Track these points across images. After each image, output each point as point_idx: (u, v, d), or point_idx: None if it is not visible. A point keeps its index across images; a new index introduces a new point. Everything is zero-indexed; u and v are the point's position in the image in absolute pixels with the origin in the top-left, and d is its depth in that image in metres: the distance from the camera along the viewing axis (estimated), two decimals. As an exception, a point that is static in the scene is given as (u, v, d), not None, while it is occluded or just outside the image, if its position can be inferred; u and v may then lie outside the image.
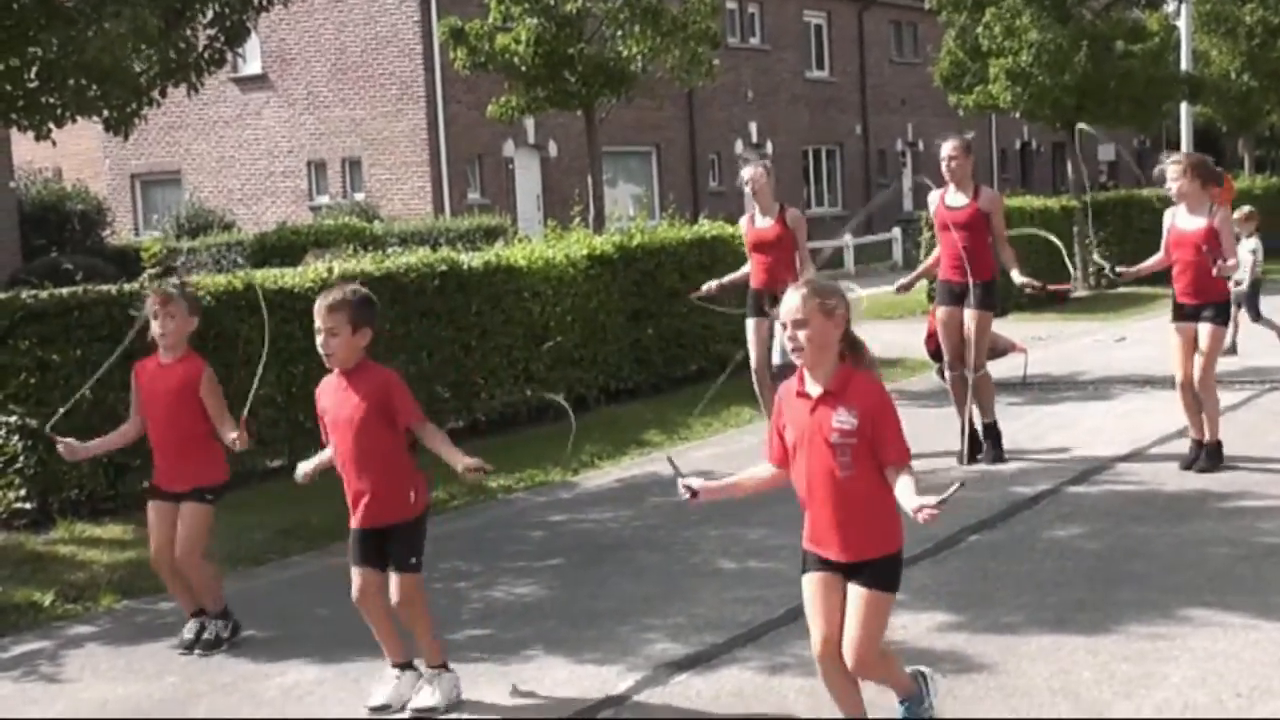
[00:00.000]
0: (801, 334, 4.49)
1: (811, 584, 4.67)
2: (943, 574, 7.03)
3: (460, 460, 5.41)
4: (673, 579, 7.24)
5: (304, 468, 5.77)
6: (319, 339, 5.47)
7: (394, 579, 5.46)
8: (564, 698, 5.61)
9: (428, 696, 5.51)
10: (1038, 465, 9.50)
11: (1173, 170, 8.90)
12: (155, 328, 6.51)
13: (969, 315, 9.62)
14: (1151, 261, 9.30)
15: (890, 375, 13.13)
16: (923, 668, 4.96)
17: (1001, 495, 8.58)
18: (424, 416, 5.58)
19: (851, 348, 4.56)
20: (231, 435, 6.33)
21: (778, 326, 10.16)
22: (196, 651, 6.44)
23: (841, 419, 4.47)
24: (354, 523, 5.55)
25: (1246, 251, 14.27)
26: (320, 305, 5.47)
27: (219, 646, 6.47)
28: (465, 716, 5.52)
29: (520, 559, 7.87)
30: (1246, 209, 14.88)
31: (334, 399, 5.56)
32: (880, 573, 4.56)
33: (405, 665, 5.62)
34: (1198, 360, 8.85)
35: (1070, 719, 5.15)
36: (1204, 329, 8.84)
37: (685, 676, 5.77)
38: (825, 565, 4.63)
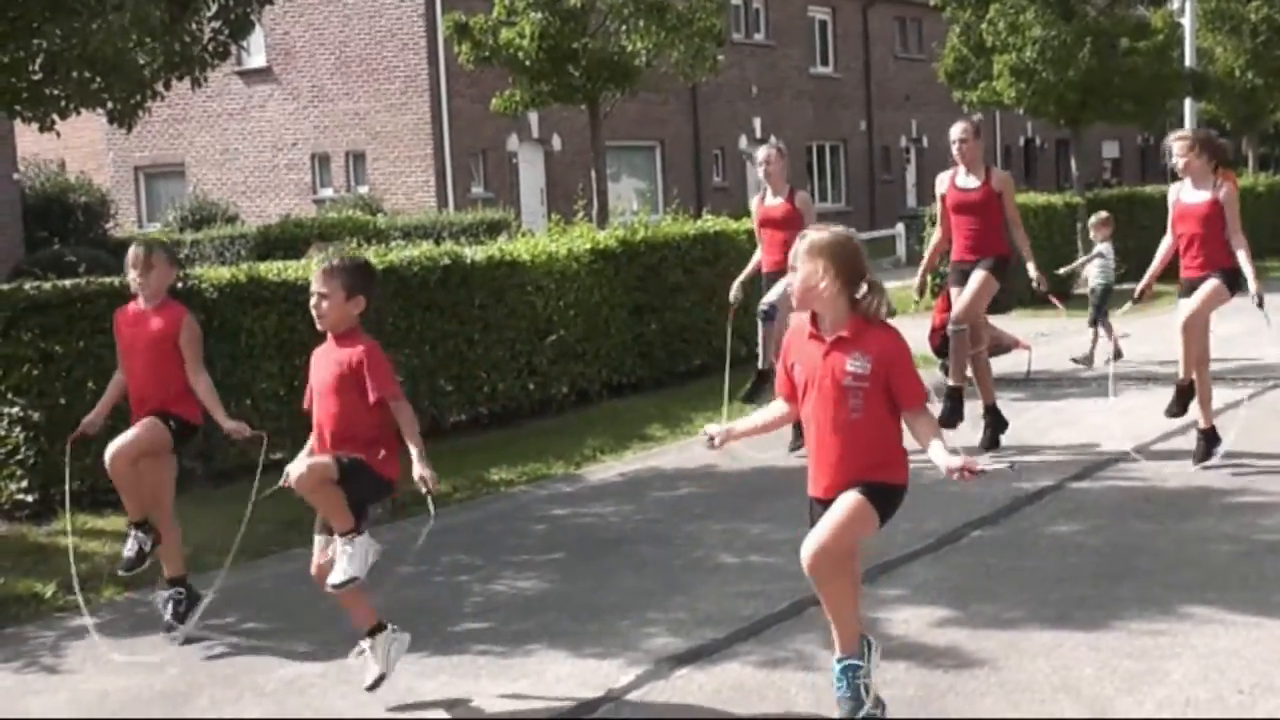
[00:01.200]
0: (795, 278, 4.63)
1: None
2: (944, 570, 7.03)
3: (418, 463, 5.24)
4: (674, 573, 7.23)
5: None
6: (312, 301, 5.47)
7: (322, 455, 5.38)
8: (565, 692, 5.61)
9: (341, 570, 5.38)
10: (1040, 461, 9.48)
11: (1179, 145, 8.89)
12: (134, 277, 6.54)
13: (974, 275, 9.59)
14: (1159, 261, 9.24)
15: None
16: (870, 637, 4.87)
17: (1004, 491, 8.56)
18: (399, 393, 5.45)
19: (863, 300, 4.58)
20: (229, 424, 6.42)
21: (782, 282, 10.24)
22: (120, 571, 6.66)
23: (855, 363, 4.55)
24: None
25: (1097, 256, 14.32)
26: (317, 269, 5.51)
27: (140, 563, 6.57)
28: (466, 717, 5.52)
29: (522, 552, 7.87)
30: (1103, 214, 14.95)
31: (320, 363, 5.55)
32: (876, 489, 4.60)
33: (375, 630, 5.55)
34: (1190, 303, 8.77)
35: (1072, 716, 5.14)
36: (1208, 283, 8.74)
37: (687, 671, 5.76)
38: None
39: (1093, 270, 14.31)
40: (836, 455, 4.62)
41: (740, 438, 5.02)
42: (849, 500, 4.59)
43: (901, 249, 30.74)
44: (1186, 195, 8.89)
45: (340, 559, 5.39)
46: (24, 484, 8.98)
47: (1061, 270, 9.78)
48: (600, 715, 5.40)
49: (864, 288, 4.56)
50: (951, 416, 9.65)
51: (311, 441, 5.66)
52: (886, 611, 6.28)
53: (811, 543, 4.62)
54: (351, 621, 5.62)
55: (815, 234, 4.64)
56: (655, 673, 5.75)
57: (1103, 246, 14.40)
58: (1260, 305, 8.70)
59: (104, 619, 7.01)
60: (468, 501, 9.24)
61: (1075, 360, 13.79)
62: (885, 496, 4.65)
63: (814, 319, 4.66)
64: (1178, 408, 9.08)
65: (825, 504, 4.68)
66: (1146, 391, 12.12)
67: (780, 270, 10.33)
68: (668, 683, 5.66)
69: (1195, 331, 8.82)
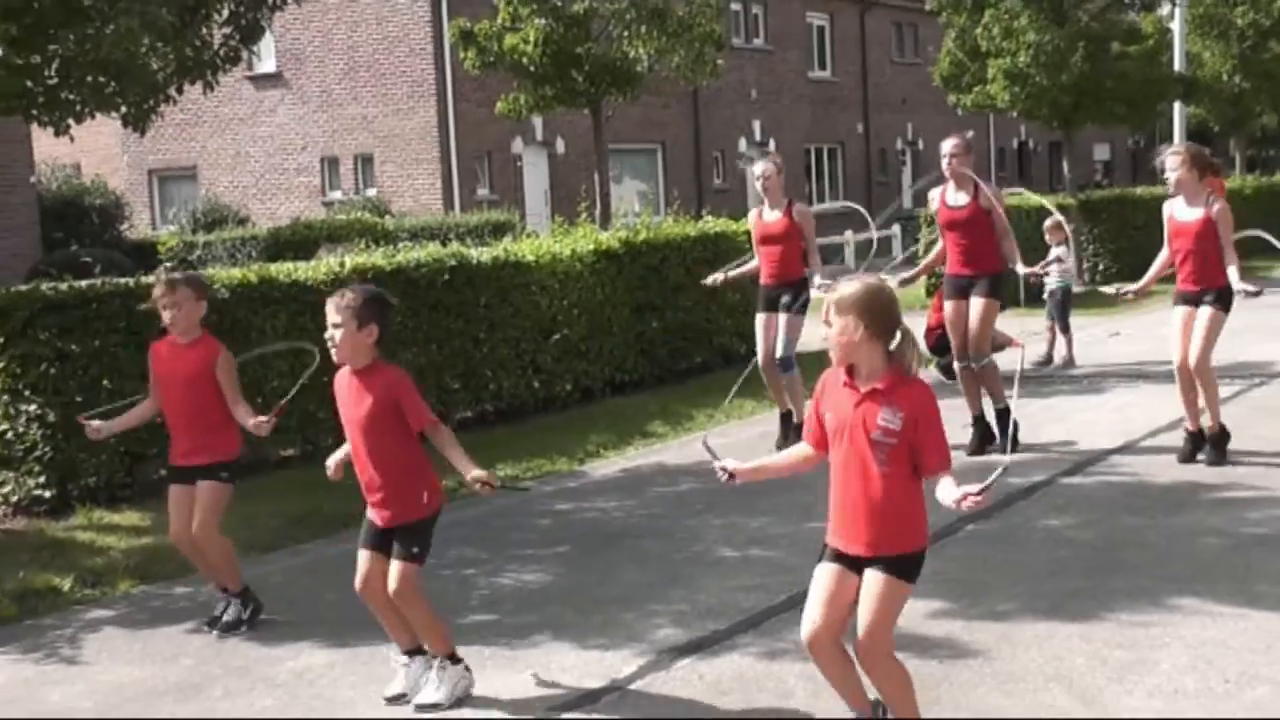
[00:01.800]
0: (828, 333, 4.46)
1: (824, 572, 4.57)
2: (940, 563, 7.00)
3: (470, 470, 5.28)
4: (676, 567, 7.24)
5: (333, 460, 5.69)
6: (326, 334, 5.41)
7: (393, 566, 5.37)
8: (570, 682, 5.62)
9: (431, 691, 5.43)
10: (1033, 457, 9.49)
11: (1171, 160, 8.90)
12: (165, 317, 6.53)
13: (974, 303, 9.59)
14: (1156, 267, 9.26)
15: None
16: None
17: (998, 486, 8.54)
18: (435, 419, 5.44)
19: (897, 350, 4.44)
20: (251, 421, 6.34)
21: (781, 319, 10.17)
22: (215, 632, 6.48)
23: (886, 417, 4.39)
24: (369, 513, 5.52)
25: (1054, 261, 14.27)
26: (330, 301, 5.44)
27: (238, 628, 6.50)
28: (471, 715, 5.52)
29: (527, 546, 7.88)
30: (1057, 218, 14.88)
31: (346, 398, 5.50)
32: (900, 564, 4.49)
33: (414, 651, 5.56)
34: (1195, 342, 8.80)
35: (1063, 706, 5.15)
36: (1204, 311, 8.78)
37: (688, 661, 5.78)
38: (843, 560, 4.55)
39: (1052, 275, 14.29)
40: (861, 508, 4.47)
41: (758, 477, 4.86)
42: (880, 587, 4.45)
43: (898, 249, 30.79)
44: (1180, 213, 8.90)
45: (434, 682, 5.43)
46: (41, 479, 8.99)
47: (1022, 272, 9.81)
48: (603, 705, 5.41)
49: (898, 338, 4.42)
50: (1011, 437, 9.49)
51: (347, 449, 5.64)
52: (883, 603, 6.29)
53: (862, 639, 4.48)
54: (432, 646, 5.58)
55: (846, 289, 4.43)
56: (657, 664, 5.76)
57: (1058, 250, 14.42)
58: (1245, 295, 8.73)
59: (120, 612, 7.03)
60: (473, 497, 9.23)
61: (1059, 366, 13.75)
62: (910, 565, 4.54)
63: (849, 368, 4.51)
64: (1215, 453, 9.01)
65: (840, 556, 4.55)
66: (1136, 389, 12.14)
67: (777, 283, 10.26)
68: (669, 673, 5.67)
69: (1205, 370, 8.85)
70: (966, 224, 9.65)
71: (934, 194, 9.97)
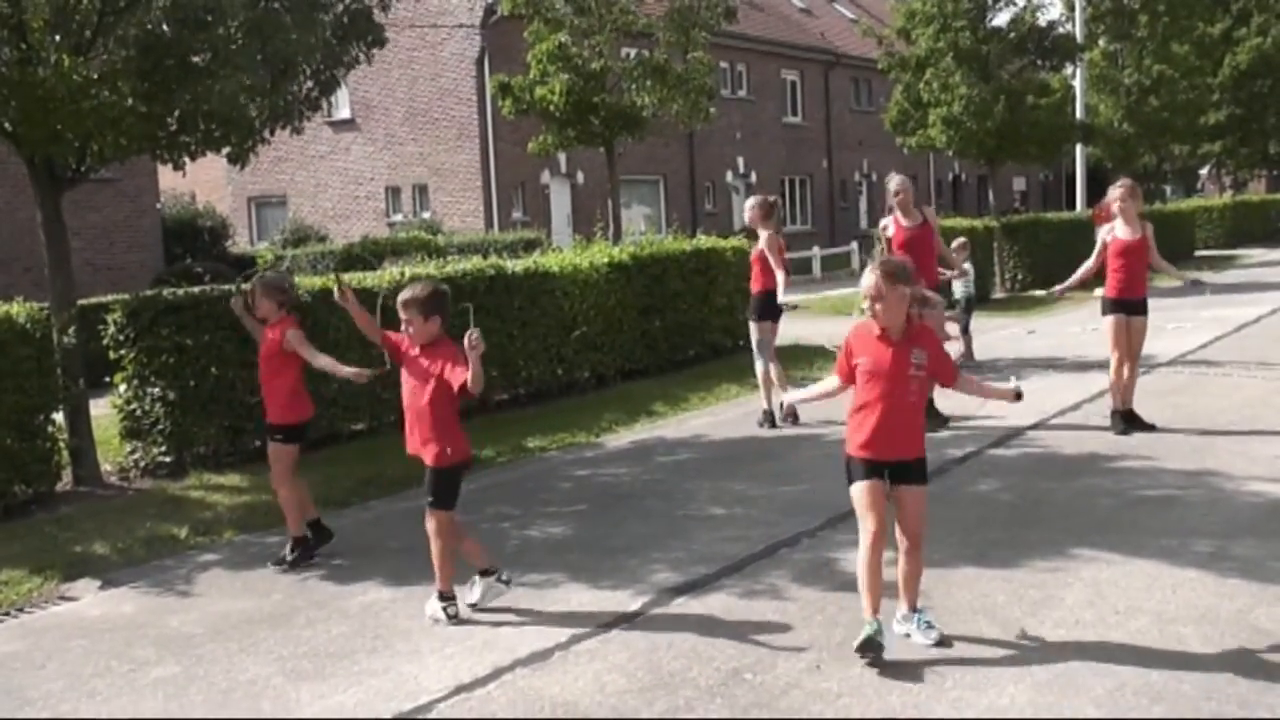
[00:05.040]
0: (879, 306, 4.85)
1: (869, 490, 4.93)
2: (889, 518, 7.00)
3: (470, 377, 5.28)
4: (674, 522, 7.23)
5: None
6: (403, 328, 5.50)
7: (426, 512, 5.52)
8: (586, 615, 5.63)
9: (469, 594, 5.61)
10: (965, 432, 9.48)
11: (1117, 192, 9.03)
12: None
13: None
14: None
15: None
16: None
17: (937, 455, 8.52)
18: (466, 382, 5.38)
19: (921, 304, 4.89)
20: (347, 370, 6.60)
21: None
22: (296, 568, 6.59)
23: (918, 357, 4.86)
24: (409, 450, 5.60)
25: (961, 274, 14.17)
26: (399, 302, 5.50)
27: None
28: (506, 637, 5.52)
29: (551, 505, 7.87)
30: (962, 239, 14.74)
31: (412, 362, 5.56)
32: (922, 470, 5.01)
33: (486, 572, 5.71)
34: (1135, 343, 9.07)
35: (988, 633, 5.14)
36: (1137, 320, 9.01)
37: (683, 599, 5.77)
38: (873, 473, 4.88)
39: (957, 285, 14.22)
40: (901, 429, 4.89)
41: (805, 402, 5.42)
42: (919, 497, 5.03)
43: (855, 262, 30.72)
44: (1121, 232, 8.97)
45: (473, 588, 5.67)
46: (163, 448, 9.00)
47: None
48: (614, 633, 5.41)
49: (917, 307, 4.90)
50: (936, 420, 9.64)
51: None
52: (844, 552, 6.28)
53: (915, 533, 5.05)
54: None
55: (887, 267, 4.85)
56: (658, 600, 5.76)
57: (964, 265, 14.30)
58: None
59: (225, 555, 7.05)
60: (508, 464, 9.25)
61: (962, 360, 13.57)
62: (925, 467, 5.07)
63: (881, 325, 4.88)
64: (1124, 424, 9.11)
65: (870, 470, 4.91)
66: (1047, 377, 12.12)
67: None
68: (668, 608, 5.66)
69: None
70: (919, 241, 9.67)
71: (886, 222, 9.98)
